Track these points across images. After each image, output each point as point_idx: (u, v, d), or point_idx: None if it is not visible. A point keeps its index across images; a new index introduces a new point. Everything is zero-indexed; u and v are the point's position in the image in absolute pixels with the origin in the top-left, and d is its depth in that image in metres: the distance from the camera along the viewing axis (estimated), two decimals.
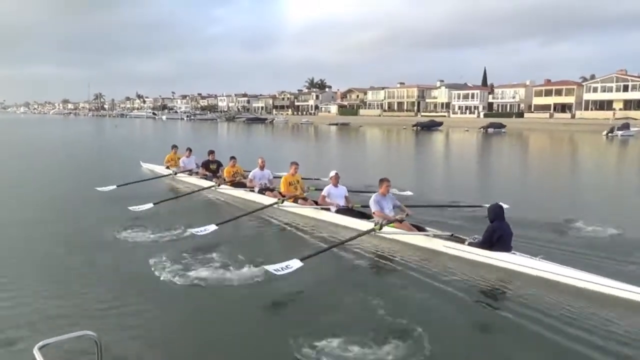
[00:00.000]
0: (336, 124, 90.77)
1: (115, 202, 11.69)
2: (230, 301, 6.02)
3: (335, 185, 10.02)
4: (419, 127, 74.12)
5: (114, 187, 12.79)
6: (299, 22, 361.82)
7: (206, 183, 13.60)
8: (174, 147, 16.86)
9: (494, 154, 35.73)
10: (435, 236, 8.04)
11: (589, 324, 5.29)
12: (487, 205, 7.81)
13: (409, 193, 12.53)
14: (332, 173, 10.10)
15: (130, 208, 10.41)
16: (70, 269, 7.11)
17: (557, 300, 5.91)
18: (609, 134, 52.83)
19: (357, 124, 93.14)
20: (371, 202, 8.67)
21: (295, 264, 6.58)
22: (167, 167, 16.44)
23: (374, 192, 9.02)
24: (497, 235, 7.16)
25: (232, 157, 13.50)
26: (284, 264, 6.52)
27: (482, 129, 67.83)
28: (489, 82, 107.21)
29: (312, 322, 5.32)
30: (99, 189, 12.67)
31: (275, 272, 6.35)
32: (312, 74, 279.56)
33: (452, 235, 8.03)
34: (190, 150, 16.05)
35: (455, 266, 7.13)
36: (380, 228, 8.27)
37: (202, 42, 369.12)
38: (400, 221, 8.40)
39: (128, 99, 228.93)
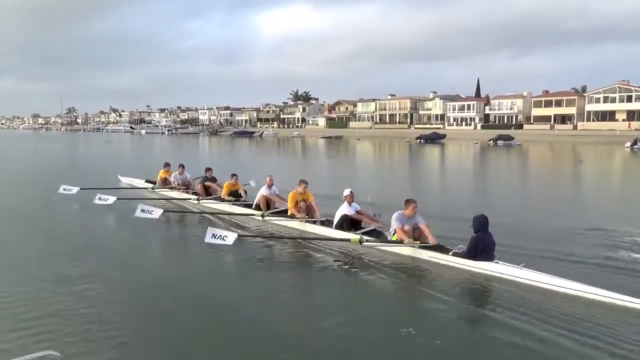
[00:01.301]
0: (329, 137, 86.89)
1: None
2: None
3: (350, 204, 9.70)
4: (422, 140, 70.28)
5: (78, 188, 13.77)
6: (273, 35, 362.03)
7: (187, 196, 13.70)
8: (167, 165, 15.97)
9: (518, 170, 32.34)
10: (420, 247, 8.11)
11: (571, 327, 5.51)
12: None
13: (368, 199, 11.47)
14: (347, 192, 9.77)
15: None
16: (32, 283, 6.94)
17: (539, 305, 6.13)
18: (634, 146, 49.66)
19: (351, 136, 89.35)
20: (394, 220, 8.52)
21: (232, 237, 8.58)
22: (148, 181, 16.33)
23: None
24: (481, 246, 7.36)
25: (234, 175, 13.18)
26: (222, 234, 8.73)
27: (491, 142, 64.38)
28: (482, 94, 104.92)
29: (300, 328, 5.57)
30: (62, 189, 13.69)
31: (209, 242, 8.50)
32: (286, 87, 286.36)
33: (437, 245, 8.07)
34: (182, 166, 15.32)
35: (441, 276, 7.33)
36: (361, 242, 8.47)
37: (175, 56, 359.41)
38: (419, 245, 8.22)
39: (102, 112, 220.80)
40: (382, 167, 32.84)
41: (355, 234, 8.88)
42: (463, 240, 7.88)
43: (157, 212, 10.82)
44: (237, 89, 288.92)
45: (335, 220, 9.62)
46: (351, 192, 9.72)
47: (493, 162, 37.81)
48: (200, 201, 13.07)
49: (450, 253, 7.72)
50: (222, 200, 12.68)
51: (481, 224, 7.41)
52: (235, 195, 12.71)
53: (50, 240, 9.63)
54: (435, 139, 71.63)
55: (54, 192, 14.39)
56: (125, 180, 17.93)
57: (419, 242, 8.14)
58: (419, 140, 70.52)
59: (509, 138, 65.45)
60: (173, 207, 12.72)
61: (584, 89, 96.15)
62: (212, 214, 11.93)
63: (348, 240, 8.67)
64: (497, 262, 7.30)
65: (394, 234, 8.44)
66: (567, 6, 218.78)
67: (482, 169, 33.46)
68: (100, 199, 12.88)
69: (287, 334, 5.41)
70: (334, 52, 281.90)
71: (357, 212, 9.60)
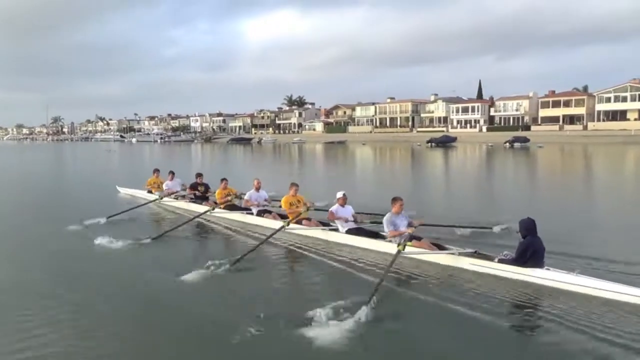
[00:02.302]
0: (332, 142, 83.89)
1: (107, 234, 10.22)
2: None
3: (343, 206, 9.74)
4: (433, 144, 67.44)
5: (104, 219, 12.11)
6: (259, 41, 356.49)
7: (201, 208, 12.93)
8: (156, 170, 16.27)
9: (546, 172, 29.93)
10: (460, 254, 7.87)
11: (631, 336, 5.17)
12: (497, 228, 9.56)
13: (413, 213, 10.58)
14: (340, 194, 9.78)
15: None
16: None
17: (598, 315, 5.71)
18: None
19: (355, 141, 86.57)
20: (385, 222, 8.63)
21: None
22: (150, 192, 15.84)
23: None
24: (531, 251, 7.01)
25: (224, 179, 12.98)
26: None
27: (507, 144, 61.78)
28: (486, 95, 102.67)
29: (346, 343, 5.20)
30: (87, 222, 11.73)
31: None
32: (274, 93, 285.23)
33: (475, 252, 7.90)
34: (173, 173, 15.37)
35: (485, 284, 6.93)
36: (404, 248, 7.95)
37: (160, 64, 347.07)
38: (419, 239, 8.37)
39: (89, 121, 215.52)
40: (405, 175, 29.50)
41: (386, 241, 8.75)
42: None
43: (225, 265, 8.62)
44: (224, 96, 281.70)
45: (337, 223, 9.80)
46: (344, 195, 9.78)
47: (522, 165, 35.33)
48: (212, 212, 12.37)
49: (496, 260, 7.39)
50: (237, 208, 12.44)
51: (529, 227, 7.12)
52: (227, 201, 12.55)
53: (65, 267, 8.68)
54: (446, 142, 68.94)
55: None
56: (124, 191, 17.55)
57: (413, 229, 8.40)
58: (429, 143, 67.75)
59: (525, 140, 63.09)
60: (187, 220, 11.88)
61: (585, 89, 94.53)
62: (215, 223, 11.90)
63: (380, 251, 8.60)
64: (548, 269, 6.94)
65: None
66: (550, 10, 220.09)
67: (515, 172, 30.82)
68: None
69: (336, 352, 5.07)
70: (320, 58, 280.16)
71: (353, 216, 9.81)
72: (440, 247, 8.26)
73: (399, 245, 7.95)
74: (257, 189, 11.81)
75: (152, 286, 7.30)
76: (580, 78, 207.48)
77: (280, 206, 10.90)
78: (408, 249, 7.96)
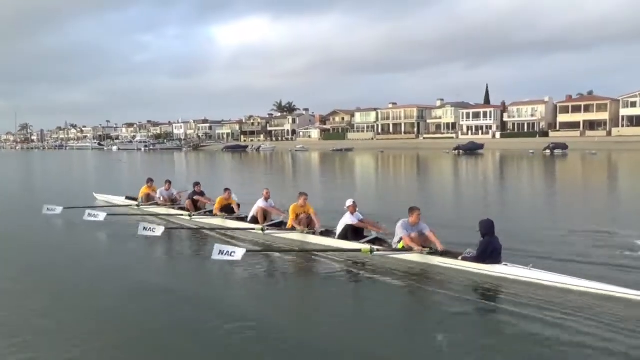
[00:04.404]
0: (340, 150, 77.67)
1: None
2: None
3: (352, 214, 9.70)
4: (460, 151, 61.59)
5: (62, 208, 13.07)
6: (230, 47, 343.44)
7: (179, 212, 13.24)
8: (150, 180, 15.40)
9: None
10: (429, 253, 8.20)
11: (585, 321, 5.70)
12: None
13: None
14: (350, 202, 9.78)
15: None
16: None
17: (548, 303, 6.29)
18: None
19: (362, 149, 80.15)
20: (398, 227, 8.63)
21: (240, 253, 8.23)
22: (129, 198, 15.78)
23: None
24: (491, 249, 7.52)
25: (227, 189, 12.79)
26: (229, 250, 8.34)
27: (547, 151, 56.56)
28: (495, 101, 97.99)
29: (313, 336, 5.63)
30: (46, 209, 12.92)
31: (216, 258, 8.19)
32: (247, 100, 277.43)
33: (445, 251, 8.19)
34: (169, 182, 14.79)
35: (452, 280, 7.40)
36: (371, 252, 8.50)
37: (130, 70, 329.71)
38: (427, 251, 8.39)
39: (60, 128, 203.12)
40: (473, 193, 23.39)
41: (362, 243, 9.01)
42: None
43: (159, 230, 10.56)
44: (197, 102, 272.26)
45: (339, 230, 9.68)
46: (354, 202, 9.75)
47: (600, 174, 29.98)
48: (193, 217, 12.64)
49: (460, 258, 7.85)
50: (215, 215, 12.27)
51: (488, 228, 7.56)
52: (228, 210, 12.26)
53: (42, 260, 9.25)
54: (473, 149, 63.39)
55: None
56: (101, 198, 17.09)
57: (428, 248, 8.30)
58: (456, 151, 61.85)
59: (565, 146, 58.04)
60: (166, 224, 11.95)
61: (590, 94, 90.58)
62: (209, 229, 11.68)
63: (359, 250, 8.72)
64: (505, 264, 7.52)
65: (399, 242, 8.57)
66: (518, 19, 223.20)
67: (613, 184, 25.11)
68: (90, 215, 12.42)
69: (307, 347, 5.35)
70: (293, 64, 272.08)
71: (360, 221, 9.65)
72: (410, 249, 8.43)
73: (370, 250, 8.50)
74: (266, 199, 11.49)
75: (149, 282, 7.59)
76: (547, 86, 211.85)
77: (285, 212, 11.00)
78: (377, 249, 8.67)
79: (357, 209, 9.76)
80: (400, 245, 8.45)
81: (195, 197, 13.20)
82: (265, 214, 11.21)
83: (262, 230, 10.50)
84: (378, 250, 8.54)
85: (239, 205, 12.31)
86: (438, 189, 24.10)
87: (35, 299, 6.85)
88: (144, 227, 10.53)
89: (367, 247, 8.59)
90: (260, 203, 11.27)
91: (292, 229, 10.24)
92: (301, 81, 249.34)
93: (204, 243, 10.20)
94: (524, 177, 30.47)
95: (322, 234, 9.98)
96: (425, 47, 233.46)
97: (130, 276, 7.96)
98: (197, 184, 13.75)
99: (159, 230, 10.46)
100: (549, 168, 37.44)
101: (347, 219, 9.53)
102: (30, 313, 6.25)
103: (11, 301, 6.89)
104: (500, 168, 38.74)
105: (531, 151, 56.82)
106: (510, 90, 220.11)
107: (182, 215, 12.88)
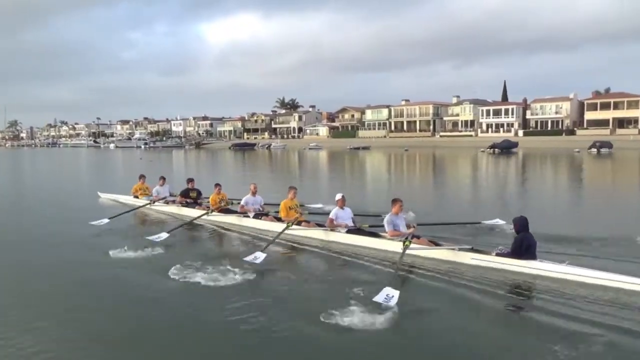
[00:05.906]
0: (357, 148, 73.67)
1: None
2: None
3: (342, 208, 9.85)
4: (496, 150, 57.61)
5: (107, 220, 12.09)
6: (219, 44, 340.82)
7: (195, 212, 12.63)
8: (142, 176, 15.52)
9: None
10: (460, 249, 8.15)
11: (626, 319, 5.49)
12: (487, 222, 10.51)
13: (410, 213, 11.22)
14: (339, 196, 9.88)
15: (149, 238, 9.99)
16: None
17: (586, 300, 6.12)
18: None
19: (379, 146, 76.37)
20: (385, 222, 8.90)
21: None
22: (136, 197, 15.01)
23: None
24: (525, 245, 7.40)
25: (217, 184, 12.65)
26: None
27: (593, 149, 52.82)
28: (519, 98, 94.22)
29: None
30: (92, 223, 11.82)
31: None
32: (237, 97, 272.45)
33: (472, 248, 8.14)
34: (164, 178, 14.64)
35: (484, 276, 7.19)
36: (409, 244, 8.24)
37: (119, 67, 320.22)
38: (418, 237, 8.58)
39: (51, 126, 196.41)
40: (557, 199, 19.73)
41: (403, 240, 8.52)
42: None
43: (261, 256, 8.65)
44: (188, 100, 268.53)
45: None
46: (343, 196, 9.85)
47: None
48: (210, 215, 12.11)
49: (493, 254, 7.75)
50: (233, 212, 12.10)
51: (522, 224, 7.53)
52: (220, 206, 12.26)
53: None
54: (509, 147, 59.45)
55: None
56: (106, 197, 16.76)
57: (409, 234, 8.55)
58: (492, 149, 57.82)
59: (610, 145, 54.26)
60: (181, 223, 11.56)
61: (607, 91, 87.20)
62: (227, 229, 11.38)
63: (379, 249, 8.78)
64: (541, 261, 7.34)
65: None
66: (507, 19, 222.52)
67: None
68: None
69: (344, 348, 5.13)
70: (282, 62, 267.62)
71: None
72: (438, 245, 8.48)
73: (404, 242, 8.21)
74: (254, 194, 11.74)
75: (157, 287, 7.14)
76: (535, 86, 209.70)
77: (277, 211, 11.00)
78: (411, 245, 8.28)
79: (346, 205, 9.95)
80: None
81: (188, 191, 13.43)
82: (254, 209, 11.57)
83: (288, 227, 10.17)
84: (410, 243, 8.30)
85: (232, 202, 12.50)
86: (507, 194, 19.96)
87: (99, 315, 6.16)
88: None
89: (399, 244, 8.39)
90: (249, 199, 11.67)
91: (299, 224, 10.29)
92: (292, 79, 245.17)
93: (232, 242, 10.37)
94: (591, 178, 27.10)
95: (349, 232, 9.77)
96: (416, 45, 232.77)
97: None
98: (190, 180, 13.87)
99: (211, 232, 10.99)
100: (605, 167, 34.24)
101: (337, 213, 9.79)
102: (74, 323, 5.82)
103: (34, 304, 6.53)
104: (554, 168, 34.41)
105: (577, 150, 52.84)
106: (500, 90, 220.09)
107: (202, 215, 12.22)
